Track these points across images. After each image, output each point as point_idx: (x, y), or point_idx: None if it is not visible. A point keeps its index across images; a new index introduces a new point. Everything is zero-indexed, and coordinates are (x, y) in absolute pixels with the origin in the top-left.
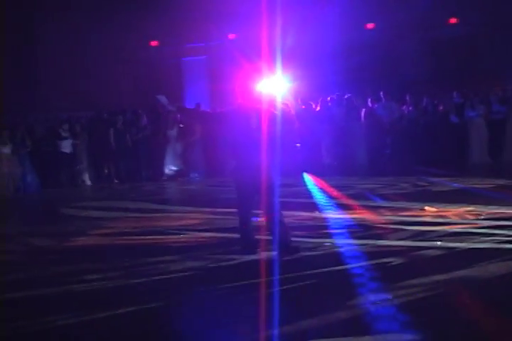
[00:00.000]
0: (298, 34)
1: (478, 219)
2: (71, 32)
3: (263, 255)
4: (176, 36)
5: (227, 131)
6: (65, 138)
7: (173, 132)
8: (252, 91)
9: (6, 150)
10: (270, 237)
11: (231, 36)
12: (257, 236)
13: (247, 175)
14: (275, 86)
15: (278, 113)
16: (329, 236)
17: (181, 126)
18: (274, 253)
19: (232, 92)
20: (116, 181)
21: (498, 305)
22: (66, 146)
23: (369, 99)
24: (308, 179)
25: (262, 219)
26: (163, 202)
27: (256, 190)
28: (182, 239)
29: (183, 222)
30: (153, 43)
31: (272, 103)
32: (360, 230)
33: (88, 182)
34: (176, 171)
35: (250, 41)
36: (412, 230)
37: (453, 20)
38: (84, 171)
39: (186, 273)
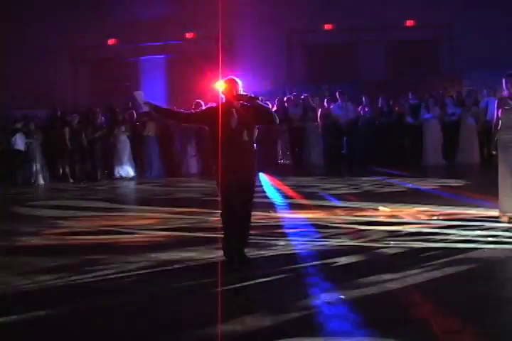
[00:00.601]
0: (256, 34)
1: (431, 220)
2: (28, 31)
3: (218, 254)
4: (134, 35)
5: (209, 131)
6: (18, 131)
7: (120, 131)
8: (230, 90)
9: None
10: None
11: (189, 35)
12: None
13: (230, 175)
14: (232, 85)
15: (257, 111)
16: (283, 235)
17: (137, 123)
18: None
19: (193, 91)
20: (71, 180)
21: (448, 305)
22: (20, 144)
23: (325, 100)
24: (264, 178)
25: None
26: (119, 202)
27: (238, 191)
28: (137, 239)
29: (139, 222)
30: (111, 42)
31: (249, 101)
32: (314, 230)
33: (42, 181)
34: (127, 171)
35: (208, 40)
36: (365, 230)
37: (410, 23)
38: (38, 170)
39: (140, 273)
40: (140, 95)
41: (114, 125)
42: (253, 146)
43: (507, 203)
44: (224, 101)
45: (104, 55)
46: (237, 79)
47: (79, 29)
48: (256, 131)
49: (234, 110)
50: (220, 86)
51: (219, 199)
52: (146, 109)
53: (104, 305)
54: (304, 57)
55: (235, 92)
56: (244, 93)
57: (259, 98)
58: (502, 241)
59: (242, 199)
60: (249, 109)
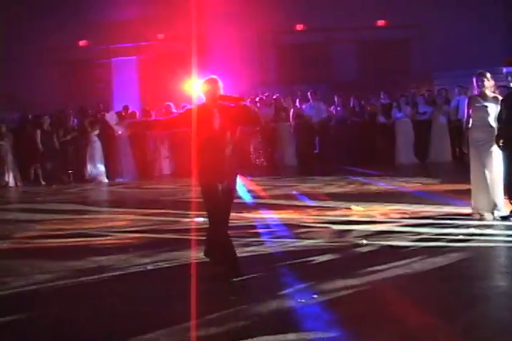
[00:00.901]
0: (228, 34)
1: (403, 218)
2: None
3: (190, 255)
4: (106, 36)
5: (190, 133)
6: None
7: (93, 134)
8: (212, 91)
9: None
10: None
11: (161, 36)
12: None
13: (213, 177)
14: (214, 86)
15: (242, 112)
16: (256, 235)
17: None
18: (202, 254)
19: (166, 92)
20: (43, 183)
21: (421, 302)
22: None
23: (297, 100)
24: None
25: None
26: (91, 204)
27: (221, 191)
28: (109, 241)
29: (111, 224)
30: (82, 43)
31: (234, 101)
32: (287, 230)
33: (13, 184)
34: (101, 173)
35: (180, 41)
36: (338, 229)
37: (381, 23)
38: (9, 172)
39: (113, 275)
40: (111, 117)
41: (85, 127)
42: (236, 147)
43: (479, 201)
44: (205, 101)
45: (75, 56)
46: (219, 80)
47: (50, 30)
48: (238, 132)
49: (216, 111)
50: (200, 86)
51: (202, 200)
52: (119, 131)
53: (78, 308)
54: (276, 58)
55: (217, 93)
56: (226, 94)
57: (243, 99)
58: (474, 238)
59: (223, 201)
60: (232, 110)
